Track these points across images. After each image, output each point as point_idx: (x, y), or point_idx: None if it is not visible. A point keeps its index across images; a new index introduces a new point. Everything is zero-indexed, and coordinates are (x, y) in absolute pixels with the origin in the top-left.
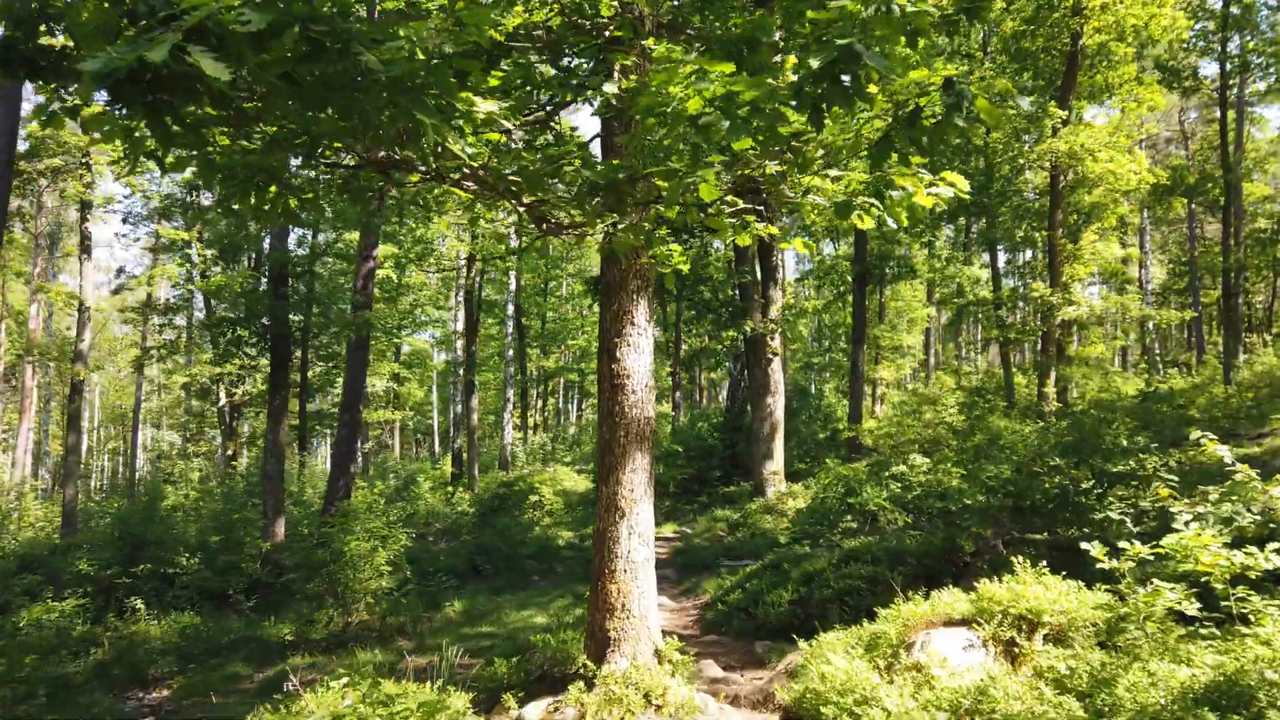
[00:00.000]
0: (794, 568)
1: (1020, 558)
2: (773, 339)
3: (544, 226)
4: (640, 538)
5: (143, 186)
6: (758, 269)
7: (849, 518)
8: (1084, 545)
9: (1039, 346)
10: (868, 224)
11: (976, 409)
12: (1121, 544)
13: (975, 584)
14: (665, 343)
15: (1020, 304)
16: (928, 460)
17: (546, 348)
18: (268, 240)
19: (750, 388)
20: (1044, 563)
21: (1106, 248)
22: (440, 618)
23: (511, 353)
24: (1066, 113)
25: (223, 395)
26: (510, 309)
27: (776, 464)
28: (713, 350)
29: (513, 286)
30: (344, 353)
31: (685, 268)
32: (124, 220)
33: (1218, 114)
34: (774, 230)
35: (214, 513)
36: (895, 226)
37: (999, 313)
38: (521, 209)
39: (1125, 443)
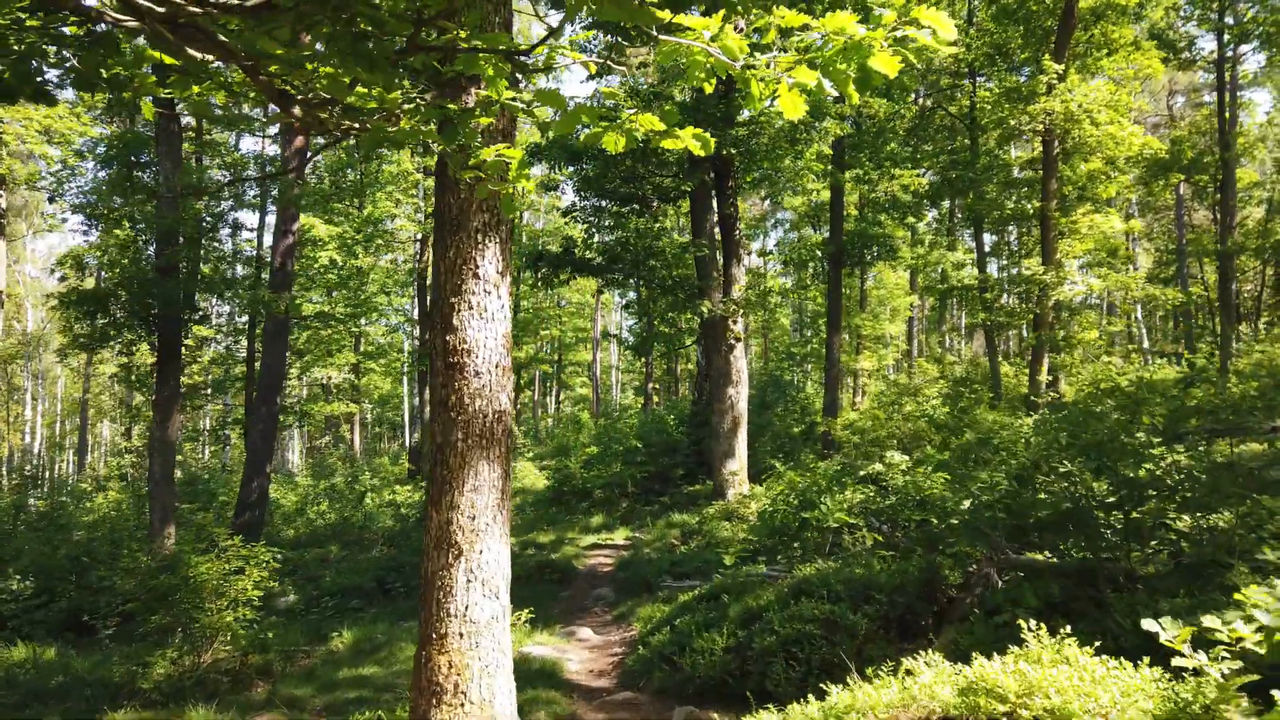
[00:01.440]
0: (734, 601)
1: (1009, 596)
2: (735, 322)
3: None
4: (486, 587)
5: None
6: (718, 243)
7: (808, 533)
8: (1147, 624)
9: (1032, 331)
10: (795, 108)
11: (961, 400)
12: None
13: (963, 632)
14: (640, 331)
15: (1009, 287)
16: (906, 458)
17: (519, 338)
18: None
19: (710, 377)
20: (1054, 598)
21: (1105, 220)
22: (322, 653)
23: None
24: (1063, 66)
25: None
26: None
27: (738, 463)
28: (662, 334)
29: None
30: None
31: (530, 186)
32: (50, 199)
33: (1206, 99)
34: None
35: (96, 521)
36: (839, 100)
37: (985, 296)
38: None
39: (1153, 441)
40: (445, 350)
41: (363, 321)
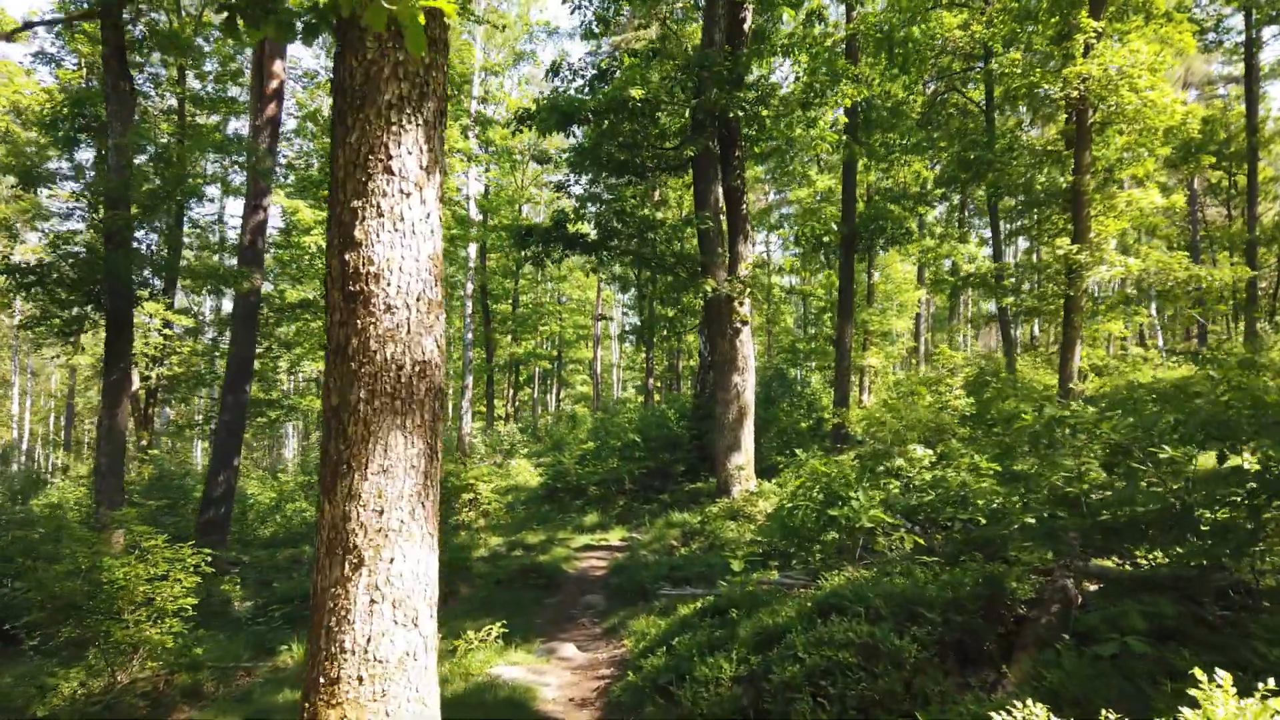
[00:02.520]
0: (745, 617)
1: (1106, 617)
2: (741, 303)
3: None
4: (399, 610)
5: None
6: (722, 216)
7: (831, 534)
8: None
9: (1057, 320)
10: None
11: (987, 391)
12: None
13: (1045, 664)
14: (643, 324)
15: (1031, 274)
16: (929, 453)
17: (517, 333)
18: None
19: (714, 365)
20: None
21: (1145, 195)
22: (266, 670)
23: (470, 335)
24: (1101, 24)
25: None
26: (469, 286)
27: (744, 457)
28: (664, 319)
29: (471, 257)
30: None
31: (450, 10)
32: None
33: (1220, 91)
34: None
35: (45, 518)
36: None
37: (1004, 283)
38: None
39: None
40: (343, 275)
41: None
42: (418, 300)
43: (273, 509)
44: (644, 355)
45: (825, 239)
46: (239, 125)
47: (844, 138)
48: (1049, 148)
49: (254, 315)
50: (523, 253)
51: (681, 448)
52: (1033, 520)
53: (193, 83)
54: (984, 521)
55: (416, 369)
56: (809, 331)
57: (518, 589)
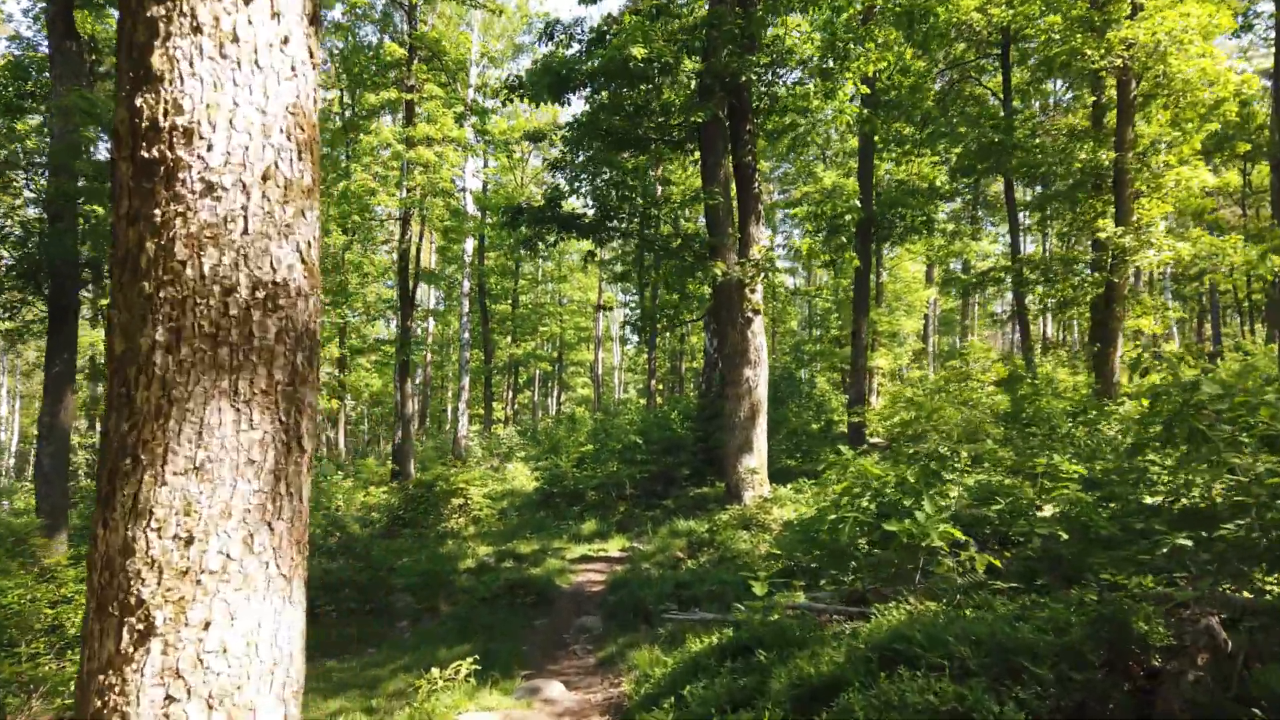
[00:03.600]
0: (778, 661)
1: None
2: (753, 290)
3: None
4: (217, 713)
5: None
6: (733, 199)
7: (884, 553)
8: None
9: (1087, 314)
10: None
11: (1021, 388)
12: None
13: None
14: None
15: (1060, 265)
16: (968, 448)
17: (517, 334)
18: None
19: (724, 358)
20: None
21: (1195, 173)
22: None
23: (468, 335)
24: None
25: None
26: (465, 284)
27: (757, 459)
28: (668, 306)
29: (468, 253)
30: None
31: None
32: None
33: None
34: None
35: None
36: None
37: (1026, 276)
38: None
39: None
40: (132, 132)
41: (350, 314)
42: (264, 179)
43: None
44: (646, 356)
45: (846, 217)
46: None
47: (864, 111)
48: (1080, 126)
49: None
50: (515, 234)
51: (686, 450)
52: (1169, 542)
53: None
54: (1065, 537)
55: (260, 295)
56: (814, 334)
57: (503, 607)
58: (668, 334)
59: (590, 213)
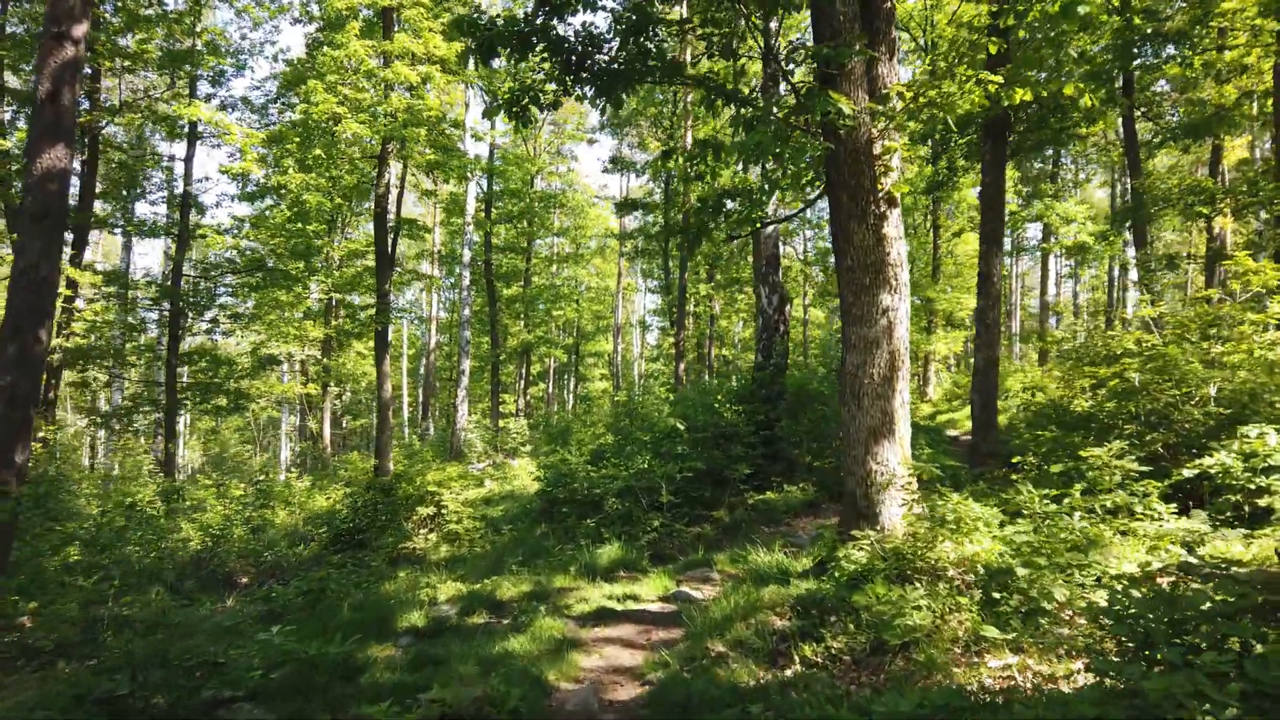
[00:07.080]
0: None
1: None
2: (890, 159)
3: None
4: None
5: None
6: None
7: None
8: None
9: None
10: None
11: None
12: None
13: None
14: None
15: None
16: None
17: (528, 317)
18: None
19: (845, 272)
20: None
21: None
22: None
23: (469, 311)
24: None
25: None
26: (465, 253)
27: (896, 450)
28: (707, 199)
29: (469, 212)
30: None
31: None
32: None
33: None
34: None
35: None
36: None
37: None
38: None
39: None
40: None
41: (324, 283)
42: None
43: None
44: (671, 341)
45: (972, 112)
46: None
47: None
48: None
49: (55, 217)
50: (498, 101)
51: (740, 441)
52: None
53: None
54: None
55: None
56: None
57: None
58: (692, 318)
59: (609, 32)
